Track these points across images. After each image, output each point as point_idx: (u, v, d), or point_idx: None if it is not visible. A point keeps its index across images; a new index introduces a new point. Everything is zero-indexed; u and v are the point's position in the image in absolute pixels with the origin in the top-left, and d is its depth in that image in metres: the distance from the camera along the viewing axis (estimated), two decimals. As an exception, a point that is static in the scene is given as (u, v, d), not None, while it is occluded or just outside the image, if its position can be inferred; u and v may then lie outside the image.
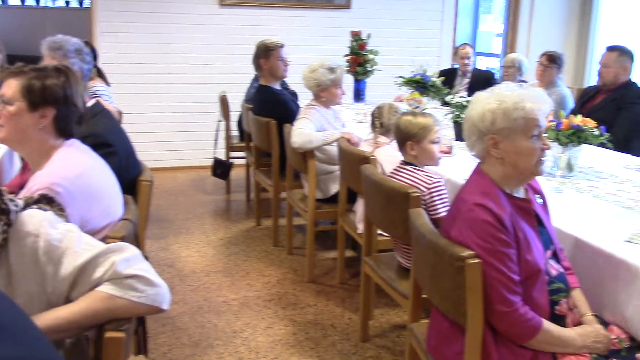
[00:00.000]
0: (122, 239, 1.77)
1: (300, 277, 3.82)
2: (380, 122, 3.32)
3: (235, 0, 6.40)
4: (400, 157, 2.84)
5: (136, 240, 2.01)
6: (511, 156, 1.85)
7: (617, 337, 1.90)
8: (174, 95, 6.37)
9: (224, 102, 5.35)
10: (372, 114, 3.37)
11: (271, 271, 3.92)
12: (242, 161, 5.43)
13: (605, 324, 1.95)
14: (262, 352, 2.96)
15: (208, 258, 4.12)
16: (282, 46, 4.35)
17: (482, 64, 8.81)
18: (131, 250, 1.53)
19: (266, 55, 4.30)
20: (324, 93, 3.80)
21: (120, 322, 1.44)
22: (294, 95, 4.87)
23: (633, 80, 4.34)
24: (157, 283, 1.50)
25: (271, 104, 4.24)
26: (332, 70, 3.76)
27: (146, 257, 2.58)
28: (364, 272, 2.92)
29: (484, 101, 1.88)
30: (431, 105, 4.74)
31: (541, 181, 2.75)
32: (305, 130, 3.61)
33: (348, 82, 5.49)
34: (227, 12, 6.41)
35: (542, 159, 1.88)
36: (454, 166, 3.06)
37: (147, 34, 6.21)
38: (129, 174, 2.41)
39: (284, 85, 5.05)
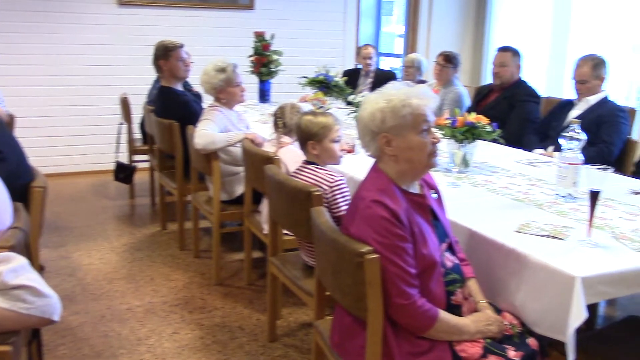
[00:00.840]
0: (12, 248, 1.68)
1: (207, 280, 3.78)
2: (282, 122, 3.33)
3: (134, 0, 6.24)
4: (303, 156, 2.86)
5: (28, 249, 1.92)
6: (404, 152, 1.91)
7: (509, 323, 1.99)
8: (72, 97, 6.14)
9: (125, 104, 5.21)
10: (274, 114, 3.38)
11: (177, 275, 3.84)
12: (146, 164, 5.30)
13: (499, 311, 2.04)
14: (169, 358, 2.90)
15: (111, 265, 3.99)
16: (181, 46, 4.27)
17: (385, 64, 9.02)
18: (19, 260, 1.46)
19: (165, 56, 4.22)
20: (222, 94, 3.77)
21: (6, 336, 1.37)
22: (198, 96, 4.81)
23: (523, 79, 4.57)
24: (47, 294, 1.44)
25: (173, 106, 4.16)
26: (222, 70, 3.73)
27: (42, 267, 2.48)
28: (270, 272, 2.92)
29: (372, 101, 1.93)
30: (335, 105, 4.80)
31: (437, 177, 2.85)
32: (208, 132, 3.56)
33: (253, 83, 5.50)
34: (127, 12, 6.24)
35: (435, 152, 1.95)
36: (357, 164, 3.11)
37: (42, 34, 5.95)
38: (21, 180, 2.31)
39: (187, 87, 4.97)
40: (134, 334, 3.11)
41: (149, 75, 5.03)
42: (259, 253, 4.07)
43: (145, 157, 5.27)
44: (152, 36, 5.29)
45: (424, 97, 1.92)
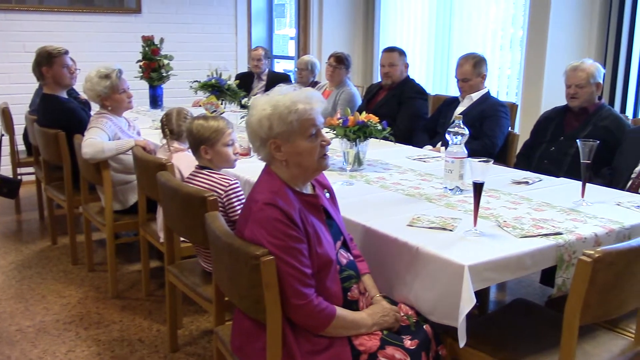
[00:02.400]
0: None
1: (103, 294, 3.64)
2: (169, 129, 3.26)
3: (12, 5, 5.92)
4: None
5: None
6: (293, 157, 1.93)
7: (405, 314, 2.06)
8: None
9: (5, 115, 4.92)
10: (161, 121, 3.30)
11: (71, 291, 3.68)
12: (32, 177, 5.04)
13: (395, 304, 2.10)
14: (64, 378, 2.78)
15: (-3, 285, 3.77)
16: (66, 52, 4.10)
17: (280, 66, 9.07)
18: None
19: (49, 62, 4.03)
20: (107, 102, 3.65)
21: None
22: (86, 104, 4.64)
23: (410, 77, 4.72)
24: None
25: (58, 114, 3.98)
26: (106, 77, 3.60)
27: None
28: (168, 281, 2.86)
29: (259, 107, 1.93)
30: (229, 108, 4.77)
31: (332, 176, 2.89)
32: (96, 140, 3.44)
33: (144, 88, 5.36)
34: (4, 17, 5.91)
35: (325, 154, 1.98)
36: (252, 167, 3.10)
37: None
38: None
39: (74, 94, 4.78)
40: (25, 356, 2.95)
41: (31, 84, 4.78)
42: (157, 262, 3.97)
43: (30, 169, 5.02)
44: (34, 42, 5.02)
45: (311, 101, 1.93)
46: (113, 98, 3.63)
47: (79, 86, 4.39)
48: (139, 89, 5.72)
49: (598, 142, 2.47)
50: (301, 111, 1.90)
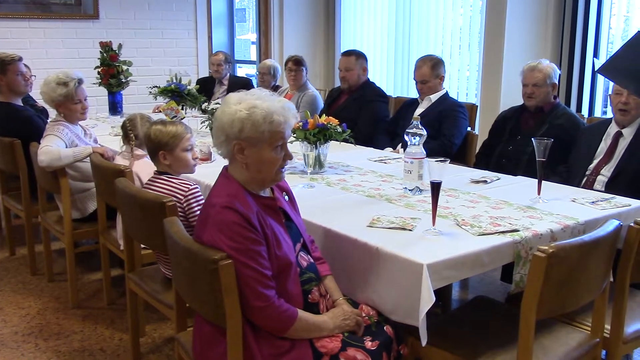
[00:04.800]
0: None
1: (63, 304, 3.58)
2: (135, 135, 3.21)
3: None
4: (157, 167, 2.79)
5: None
6: (255, 163, 1.93)
7: (366, 314, 2.07)
8: None
9: (-41, 124, 4.80)
10: (124, 127, 3.25)
11: (30, 302, 3.61)
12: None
13: (357, 304, 2.11)
14: (23, 391, 2.72)
15: (-47, 299, 3.67)
16: (19, 59, 4.02)
17: (243, 71, 9.04)
18: None
19: (2, 70, 3.94)
20: (61, 109, 3.58)
21: None
22: (42, 111, 4.55)
23: (371, 80, 4.75)
24: None
25: (13, 122, 3.90)
26: (64, 84, 3.51)
27: None
28: (129, 289, 2.82)
29: (235, 107, 1.91)
30: (190, 113, 4.74)
31: (293, 179, 2.90)
32: (52, 148, 3.38)
33: (103, 95, 5.29)
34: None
35: (284, 166, 1.98)
36: (213, 172, 3.07)
37: None
38: None
39: (30, 101, 4.69)
40: (-18, 370, 2.89)
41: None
42: (118, 270, 3.91)
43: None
44: (-14, 49, 4.93)
45: (287, 114, 1.93)
46: (67, 106, 3.56)
47: (35, 93, 4.32)
48: (97, 96, 5.68)
49: (552, 140, 2.53)
50: (276, 123, 1.89)
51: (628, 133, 3.18)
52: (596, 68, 4.92)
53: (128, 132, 3.23)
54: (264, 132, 1.89)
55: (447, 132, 3.92)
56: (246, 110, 1.90)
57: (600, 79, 5.14)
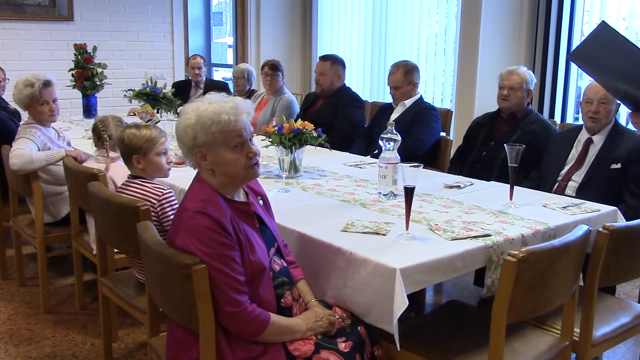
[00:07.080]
0: None
1: (34, 309, 3.53)
2: (108, 135, 3.19)
3: None
4: (131, 171, 2.77)
5: None
6: (219, 167, 1.93)
7: (340, 317, 2.07)
8: None
9: None
10: (96, 129, 3.22)
11: (0, 307, 3.55)
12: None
13: (330, 307, 2.11)
14: (-8, 398, 2.68)
15: None
16: (-9, 62, 3.97)
17: (219, 74, 9.01)
18: None
19: (-27, 72, 3.90)
20: (30, 111, 3.54)
21: None
22: (15, 114, 4.48)
23: (347, 85, 4.76)
24: None
25: (-16, 125, 3.85)
26: (30, 85, 3.46)
27: None
28: (102, 293, 2.79)
29: (185, 116, 1.93)
30: (166, 117, 4.71)
31: (268, 183, 2.90)
32: (24, 151, 3.33)
33: (77, 97, 5.24)
34: None
35: (252, 164, 1.97)
36: (187, 176, 3.06)
37: None
38: None
39: (3, 104, 4.63)
40: (-50, 377, 2.84)
41: (-44, 94, 4.62)
42: (91, 275, 3.87)
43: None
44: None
45: (236, 112, 1.92)
46: (34, 108, 3.51)
47: (8, 95, 4.27)
48: (72, 98, 5.63)
49: (524, 146, 2.56)
50: (224, 122, 1.89)
51: (598, 140, 3.24)
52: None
53: (101, 133, 3.21)
54: (214, 134, 1.89)
55: (414, 133, 3.93)
56: (195, 116, 1.90)
57: (572, 85, 5.23)
